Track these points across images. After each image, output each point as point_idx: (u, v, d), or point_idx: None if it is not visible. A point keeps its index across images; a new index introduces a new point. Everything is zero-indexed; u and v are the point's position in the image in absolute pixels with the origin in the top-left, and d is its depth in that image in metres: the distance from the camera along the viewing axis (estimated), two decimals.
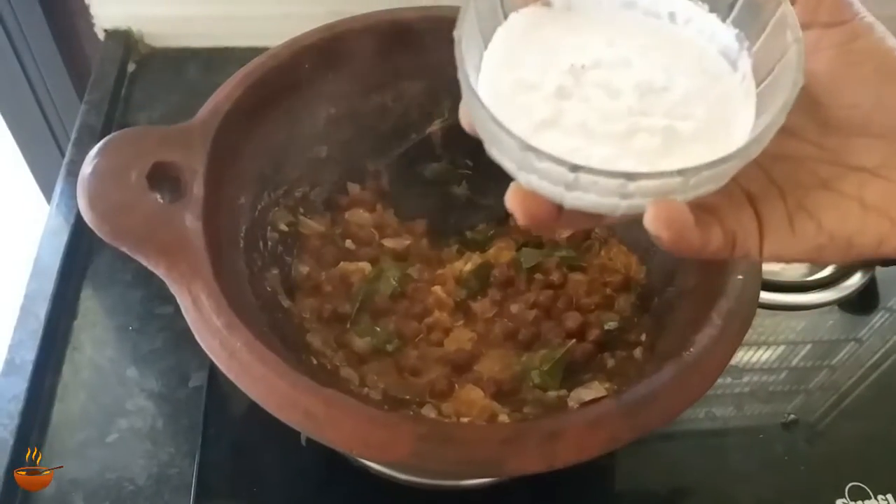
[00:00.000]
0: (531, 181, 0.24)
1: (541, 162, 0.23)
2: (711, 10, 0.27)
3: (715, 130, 0.25)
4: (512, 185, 0.25)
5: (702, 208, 0.26)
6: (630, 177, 0.23)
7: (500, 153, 0.24)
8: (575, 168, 0.23)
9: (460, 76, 0.24)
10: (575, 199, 0.24)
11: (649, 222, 0.24)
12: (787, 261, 0.30)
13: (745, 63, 0.26)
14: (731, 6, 0.27)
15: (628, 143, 0.25)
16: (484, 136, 0.25)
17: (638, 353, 0.39)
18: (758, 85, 0.26)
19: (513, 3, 0.27)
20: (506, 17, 0.27)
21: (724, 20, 0.27)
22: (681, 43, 0.28)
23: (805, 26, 0.24)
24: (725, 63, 0.27)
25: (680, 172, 0.23)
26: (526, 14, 0.27)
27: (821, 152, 0.26)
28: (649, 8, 0.28)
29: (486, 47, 0.27)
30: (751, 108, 0.26)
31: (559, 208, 0.25)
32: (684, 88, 0.26)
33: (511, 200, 0.25)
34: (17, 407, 0.45)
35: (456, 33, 0.25)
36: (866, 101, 0.25)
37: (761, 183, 0.27)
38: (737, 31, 0.27)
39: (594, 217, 0.25)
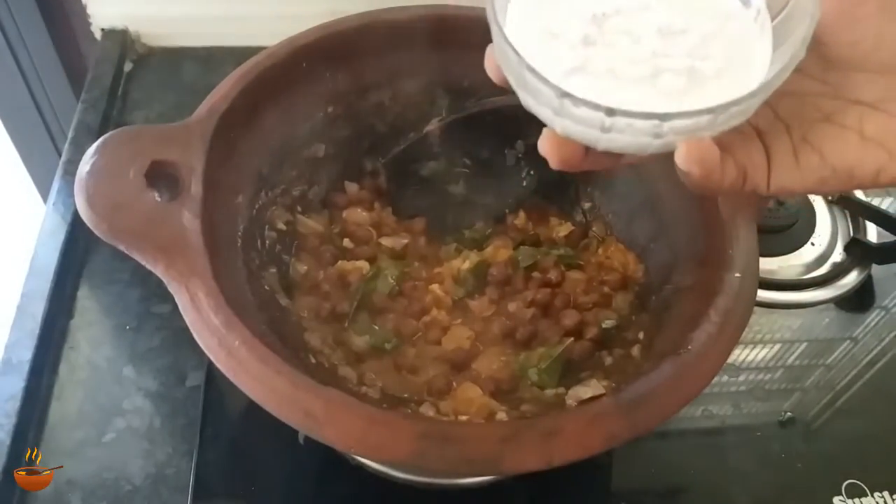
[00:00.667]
0: (566, 126, 0.26)
1: (577, 108, 0.24)
2: None
3: (735, 67, 0.26)
4: (545, 131, 0.27)
5: (717, 144, 0.26)
6: (664, 117, 0.24)
7: (537, 102, 0.26)
8: (611, 112, 0.24)
9: (493, 27, 0.25)
10: (609, 140, 0.25)
11: (682, 160, 0.25)
12: (793, 193, 0.32)
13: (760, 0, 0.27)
14: None
15: (654, 83, 0.26)
16: (518, 85, 0.26)
17: (636, 350, 0.39)
18: (772, 19, 0.27)
19: None
20: None
21: None
22: None
23: None
24: (738, 2, 0.28)
25: (710, 110, 0.24)
26: None
27: (824, 87, 0.27)
28: None
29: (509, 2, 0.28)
30: (767, 43, 0.27)
31: (586, 149, 0.27)
32: (702, 29, 0.27)
33: (545, 147, 0.27)
34: (14, 406, 0.45)
35: None
36: (867, 38, 0.25)
37: (768, 118, 0.28)
38: None
39: (618, 155, 0.27)
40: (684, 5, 0.28)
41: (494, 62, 0.27)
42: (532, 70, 0.24)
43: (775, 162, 0.28)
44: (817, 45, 0.25)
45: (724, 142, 0.27)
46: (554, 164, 0.27)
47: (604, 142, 0.25)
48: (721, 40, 0.27)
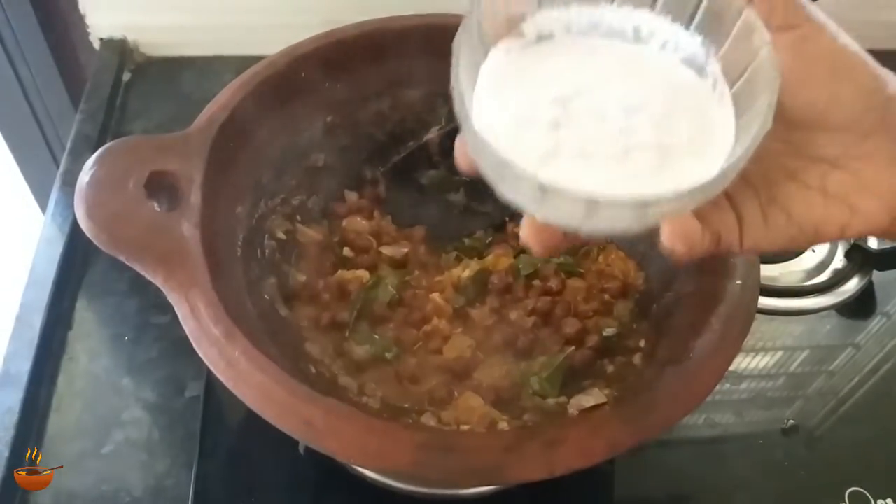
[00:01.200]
0: (548, 216, 0.26)
1: (559, 199, 0.24)
2: (674, 21, 0.28)
3: (701, 139, 0.27)
4: (525, 219, 0.27)
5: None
6: (646, 203, 0.24)
7: (514, 193, 0.25)
8: (593, 202, 0.24)
9: (463, 123, 0.25)
10: (592, 226, 0.25)
11: (667, 239, 0.26)
12: (764, 251, 0.32)
13: (715, 68, 0.28)
14: (693, 15, 0.28)
15: (626, 162, 0.26)
16: (493, 177, 0.26)
17: (637, 359, 0.39)
18: (731, 86, 0.27)
19: (490, 39, 0.28)
20: (486, 55, 0.28)
21: (687, 28, 0.28)
22: (649, 59, 0.29)
23: None
24: (693, 73, 0.28)
25: (691, 191, 0.24)
26: (502, 49, 0.28)
27: (786, 146, 0.28)
28: (613, 25, 0.29)
29: (473, 88, 0.28)
30: (728, 111, 0.27)
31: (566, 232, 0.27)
32: (662, 103, 0.27)
33: (527, 236, 0.28)
34: (12, 418, 0.45)
35: (453, 84, 0.26)
36: (821, 98, 0.26)
37: (736, 182, 0.28)
38: (701, 37, 0.28)
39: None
40: (641, 80, 0.28)
41: (465, 155, 0.27)
42: (510, 165, 0.24)
43: (746, 224, 0.28)
44: (777, 106, 0.25)
45: (698, 210, 0.27)
46: (536, 252, 0.28)
47: (586, 227, 0.25)
48: (684, 113, 0.27)
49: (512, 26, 0.29)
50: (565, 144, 0.26)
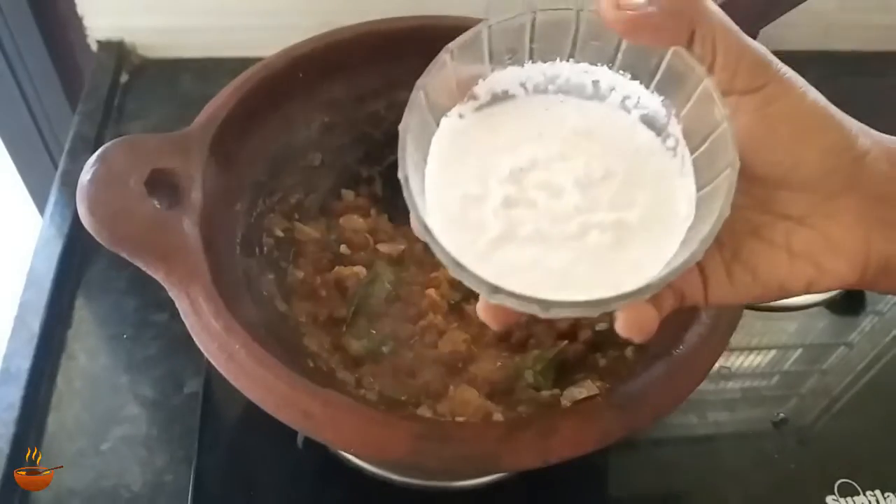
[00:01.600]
0: (504, 303, 0.25)
1: (511, 299, 0.24)
2: (633, 79, 0.27)
3: (661, 213, 0.26)
4: (481, 302, 0.27)
5: None
6: (599, 304, 0.24)
7: (468, 283, 0.24)
8: (546, 305, 0.24)
9: (411, 211, 0.25)
10: (547, 316, 0.25)
11: (622, 329, 0.26)
12: (730, 306, 0.33)
13: (676, 129, 0.27)
14: (653, 75, 0.27)
15: (583, 242, 0.25)
16: (445, 264, 0.25)
17: (629, 352, 0.40)
18: (692, 152, 0.26)
19: (441, 108, 0.27)
20: (437, 124, 0.27)
21: (647, 87, 0.27)
22: (609, 119, 0.28)
23: (723, 94, 0.25)
24: (653, 135, 0.27)
25: (646, 288, 0.24)
26: (455, 115, 0.27)
27: (751, 201, 0.27)
28: (571, 80, 0.28)
29: (425, 163, 0.27)
30: (689, 176, 0.26)
31: None
32: (623, 173, 0.27)
33: (483, 315, 0.27)
34: (12, 415, 0.46)
35: (400, 174, 0.25)
36: (785, 161, 0.26)
37: None
38: (662, 97, 0.27)
39: None
40: (600, 145, 0.27)
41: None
42: (460, 264, 0.24)
43: (710, 281, 0.28)
44: (741, 164, 0.25)
45: None
46: (495, 328, 0.28)
47: (542, 316, 0.25)
48: (643, 182, 0.27)
49: (464, 91, 0.27)
50: (519, 226, 0.26)
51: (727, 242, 0.28)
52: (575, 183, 0.26)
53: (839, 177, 0.26)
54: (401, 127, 0.26)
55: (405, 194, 0.25)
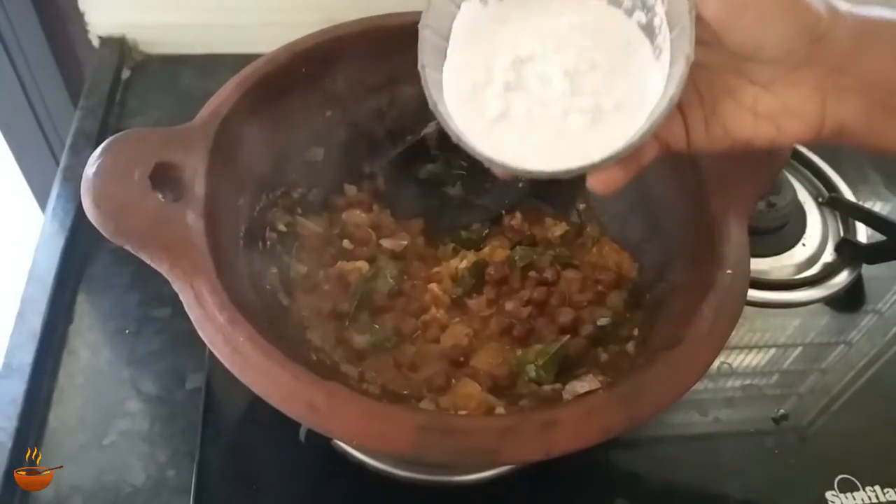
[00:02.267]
0: (498, 169, 0.32)
1: (503, 167, 0.32)
2: None
3: (633, 98, 0.32)
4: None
5: None
6: (571, 171, 0.31)
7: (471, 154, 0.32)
8: (528, 173, 0.31)
9: (428, 100, 0.32)
10: (532, 177, 0.32)
11: (591, 185, 0.32)
12: (708, 155, 0.36)
13: (661, 10, 0.31)
14: None
15: (564, 122, 0.31)
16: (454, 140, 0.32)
17: (630, 347, 0.40)
18: (671, 31, 0.30)
19: None
20: (458, 6, 0.33)
21: None
22: (602, 15, 0.33)
23: None
24: (640, 32, 0.32)
25: (609, 158, 0.30)
26: (471, 6, 0.33)
27: (728, 65, 0.32)
28: None
29: (447, 43, 0.33)
30: (665, 59, 0.31)
31: None
32: (607, 65, 0.32)
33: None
34: (14, 410, 0.45)
35: (419, 64, 0.33)
36: (749, 42, 0.30)
37: (687, 90, 0.31)
38: None
39: None
40: (594, 40, 0.32)
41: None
42: (465, 143, 0.32)
43: (691, 130, 0.33)
44: (715, 37, 0.30)
45: None
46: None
47: (528, 177, 0.32)
48: (624, 72, 0.32)
49: None
50: (514, 106, 0.32)
51: (707, 98, 0.33)
52: (564, 73, 0.32)
53: (799, 55, 0.30)
54: (420, 23, 0.32)
55: (423, 83, 0.32)
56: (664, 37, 0.31)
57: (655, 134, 0.30)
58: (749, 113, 0.32)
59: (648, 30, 0.32)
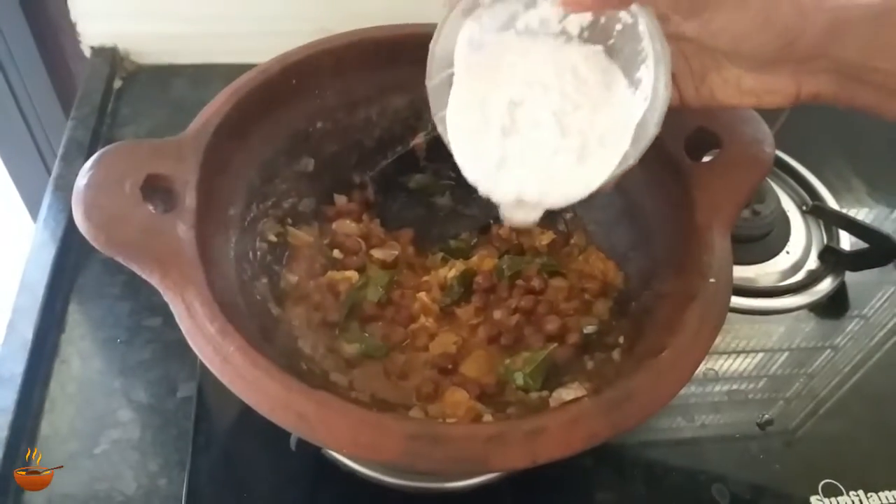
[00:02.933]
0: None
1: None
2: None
3: (615, 130, 0.36)
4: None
5: None
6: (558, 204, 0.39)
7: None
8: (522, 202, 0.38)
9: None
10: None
11: None
12: (699, 108, 0.39)
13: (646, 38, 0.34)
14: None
15: (554, 163, 0.36)
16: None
17: (616, 354, 0.41)
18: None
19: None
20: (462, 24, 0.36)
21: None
22: (582, 57, 0.36)
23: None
24: (614, 65, 0.36)
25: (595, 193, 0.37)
26: (464, 57, 0.36)
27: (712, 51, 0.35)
28: (555, 25, 0.36)
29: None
30: (642, 88, 0.35)
31: None
32: (590, 104, 0.36)
33: None
34: (6, 419, 0.46)
35: (428, 83, 0.37)
36: (728, 50, 0.34)
37: (680, 62, 0.36)
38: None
39: None
40: (574, 82, 0.36)
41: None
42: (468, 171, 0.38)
43: (682, 92, 0.37)
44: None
45: None
46: None
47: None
48: (606, 107, 0.36)
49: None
50: (511, 151, 0.36)
51: (697, 71, 0.37)
52: (552, 115, 0.36)
53: (773, 57, 0.34)
54: (430, 45, 0.36)
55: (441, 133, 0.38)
56: (639, 65, 0.34)
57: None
58: (734, 87, 0.36)
59: (623, 61, 0.36)
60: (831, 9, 0.33)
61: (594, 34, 0.36)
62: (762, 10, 0.32)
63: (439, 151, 0.48)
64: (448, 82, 0.37)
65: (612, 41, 0.36)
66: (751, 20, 0.32)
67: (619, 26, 0.35)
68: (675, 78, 0.36)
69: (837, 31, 0.33)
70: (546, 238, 0.50)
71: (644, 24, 0.34)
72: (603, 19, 0.35)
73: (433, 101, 0.37)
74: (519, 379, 0.41)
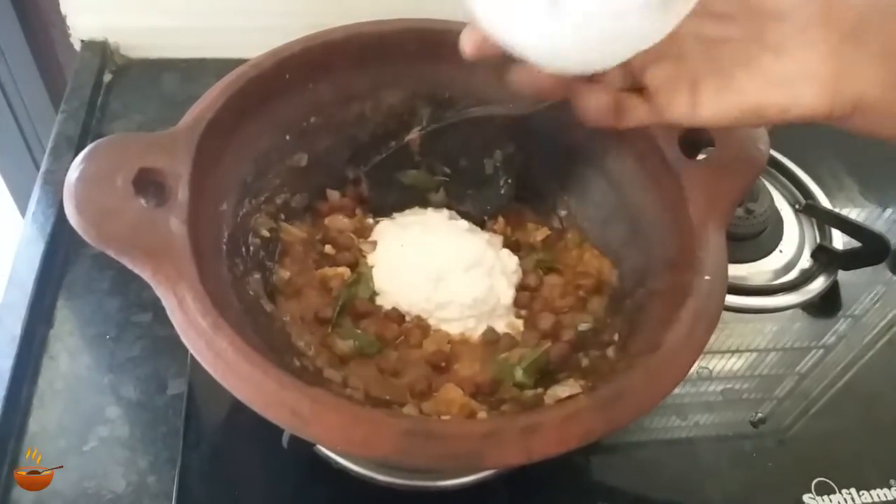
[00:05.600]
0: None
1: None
2: None
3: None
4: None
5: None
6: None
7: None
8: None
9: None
10: None
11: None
12: (710, 127, 0.37)
13: None
14: None
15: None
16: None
17: (611, 352, 0.41)
18: None
19: None
20: None
21: None
22: None
23: None
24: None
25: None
26: None
27: (744, 31, 0.32)
28: None
29: None
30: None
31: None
32: None
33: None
34: None
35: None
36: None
37: (694, 68, 0.33)
38: None
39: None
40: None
41: (474, 38, 0.33)
42: None
43: (700, 103, 0.33)
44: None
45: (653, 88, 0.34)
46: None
47: None
48: None
49: None
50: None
51: (723, 70, 0.32)
52: None
53: (810, 9, 0.30)
54: None
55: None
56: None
57: (654, 104, 0.34)
58: (762, 80, 0.31)
59: None
60: None
61: None
62: None
63: (433, 147, 0.49)
64: None
65: None
66: None
67: None
68: (697, 83, 0.33)
69: (885, 2, 0.30)
70: (541, 234, 0.50)
71: None
72: None
73: None
74: (518, 374, 0.41)
